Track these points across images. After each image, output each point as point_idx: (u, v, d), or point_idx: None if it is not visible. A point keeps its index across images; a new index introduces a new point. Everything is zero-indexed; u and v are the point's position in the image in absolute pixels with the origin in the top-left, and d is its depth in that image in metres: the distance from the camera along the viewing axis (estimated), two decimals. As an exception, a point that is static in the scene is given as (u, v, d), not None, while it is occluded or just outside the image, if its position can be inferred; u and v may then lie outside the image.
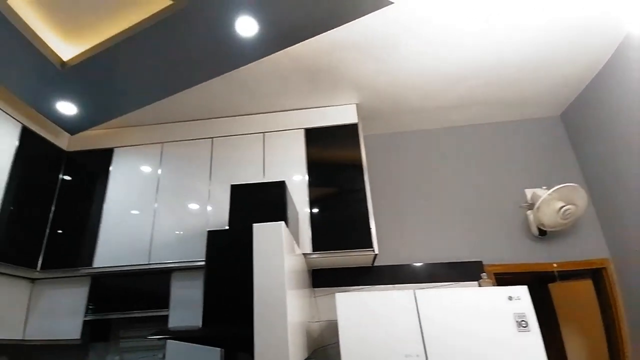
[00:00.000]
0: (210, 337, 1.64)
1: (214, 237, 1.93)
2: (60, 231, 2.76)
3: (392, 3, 2.05)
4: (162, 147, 2.98)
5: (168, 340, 2.50)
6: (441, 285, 2.65)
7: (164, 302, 2.60)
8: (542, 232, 2.83)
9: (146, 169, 2.92)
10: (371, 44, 2.37)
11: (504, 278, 2.72)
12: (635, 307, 2.46)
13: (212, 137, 2.95)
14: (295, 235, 2.32)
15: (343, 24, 2.11)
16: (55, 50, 2.19)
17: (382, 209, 2.90)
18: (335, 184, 2.69)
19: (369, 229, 2.48)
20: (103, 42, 2.14)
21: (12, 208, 2.46)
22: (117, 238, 2.69)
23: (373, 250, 2.43)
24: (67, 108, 2.57)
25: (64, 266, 2.64)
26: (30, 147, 2.69)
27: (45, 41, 2.12)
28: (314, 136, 2.84)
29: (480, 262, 2.74)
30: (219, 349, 2.41)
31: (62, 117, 2.67)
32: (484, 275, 2.58)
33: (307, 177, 2.71)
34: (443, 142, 3.30)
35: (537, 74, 2.74)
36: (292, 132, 2.87)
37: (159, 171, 2.89)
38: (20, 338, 2.56)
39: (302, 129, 2.87)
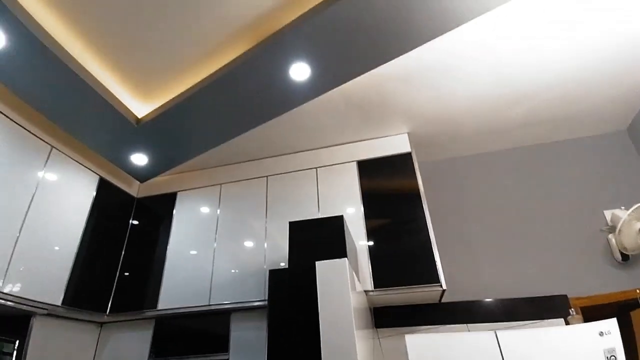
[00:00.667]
0: None
1: (275, 277, 1.91)
2: (128, 274, 2.90)
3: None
4: (221, 188, 3.10)
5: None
6: (523, 325, 2.35)
7: (224, 345, 2.57)
8: (625, 257, 2.51)
9: (206, 210, 3.04)
10: (420, 74, 2.36)
11: (588, 310, 2.38)
12: None
13: (267, 176, 3.02)
14: (355, 270, 2.22)
15: (393, 59, 2.11)
16: (132, 109, 2.44)
17: (447, 240, 2.71)
18: (392, 215, 2.58)
19: (433, 261, 2.31)
20: (173, 98, 2.36)
21: (86, 255, 2.63)
22: (180, 279, 2.76)
23: (440, 286, 2.24)
24: (139, 159, 2.80)
25: (131, 309, 2.74)
26: (106, 196, 2.93)
27: (123, 102, 2.38)
28: (366, 168, 2.80)
29: (565, 296, 2.41)
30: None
31: (135, 168, 2.91)
32: (572, 311, 2.27)
33: (362, 209, 2.64)
34: (505, 164, 3.10)
35: (600, 88, 2.57)
36: (345, 165, 2.86)
37: (218, 211, 2.99)
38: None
39: (354, 162, 2.85)
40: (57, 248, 2.43)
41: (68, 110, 2.29)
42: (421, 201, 2.54)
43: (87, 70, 2.12)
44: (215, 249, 2.81)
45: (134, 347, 2.72)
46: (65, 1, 1.83)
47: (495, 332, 1.76)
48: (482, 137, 3.03)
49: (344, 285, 1.61)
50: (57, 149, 2.58)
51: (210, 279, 2.70)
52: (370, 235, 2.55)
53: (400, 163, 2.74)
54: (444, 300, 2.53)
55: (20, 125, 2.35)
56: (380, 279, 2.36)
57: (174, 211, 3.10)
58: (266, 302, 2.48)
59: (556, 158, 3.02)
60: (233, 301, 2.57)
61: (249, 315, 2.62)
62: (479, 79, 2.43)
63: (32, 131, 2.42)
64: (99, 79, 2.21)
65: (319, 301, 1.61)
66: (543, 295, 2.45)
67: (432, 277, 2.27)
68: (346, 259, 1.68)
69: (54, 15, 1.87)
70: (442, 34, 1.96)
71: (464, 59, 2.27)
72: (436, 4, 1.79)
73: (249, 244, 2.78)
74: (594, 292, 2.42)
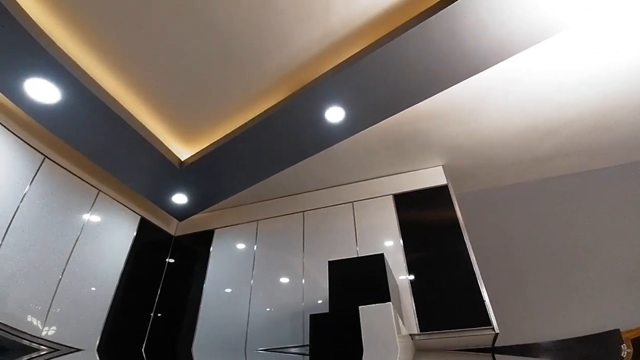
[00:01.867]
0: None
1: (316, 322, 1.84)
2: (162, 314, 2.91)
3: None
4: (258, 224, 3.12)
5: None
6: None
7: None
8: None
9: (242, 246, 3.04)
10: (452, 109, 2.33)
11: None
12: None
13: (303, 211, 3.01)
14: (399, 310, 2.11)
15: (425, 99, 2.11)
16: (176, 153, 2.54)
17: (490, 273, 2.55)
18: (433, 247, 2.48)
19: (481, 299, 2.16)
20: (214, 142, 2.45)
21: (123, 296, 2.68)
22: (216, 320, 2.74)
23: (492, 329, 2.09)
24: (180, 199, 2.89)
25: (163, 349, 2.74)
26: (146, 235, 3.01)
27: (169, 147, 2.48)
28: (403, 201, 2.74)
29: (617, 331, 2.17)
30: None
31: (175, 207, 3.00)
32: (624, 346, 2.06)
33: (401, 242, 2.56)
34: (543, 194, 2.97)
35: (632, 114, 2.44)
36: (381, 199, 2.81)
37: (255, 247, 2.99)
38: None
39: (391, 195, 2.80)
40: (93, 289, 2.50)
41: (117, 156, 2.42)
42: (462, 232, 2.44)
43: (137, 120, 2.25)
44: (252, 286, 2.79)
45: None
46: (118, 60, 1.96)
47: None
48: (517, 167, 2.92)
49: (390, 331, 1.52)
50: (104, 192, 2.71)
51: (247, 322, 2.65)
52: (411, 268, 2.45)
53: (437, 195, 2.67)
54: (498, 344, 2.34)
55: (71, 172, 2.50)
56: (426, 321, 2.24)
57: (211, 249, 3.13)
58: (303, 348, 2.44)
59: (594, 187, 2.87)
60: (270, 347, 2.51)
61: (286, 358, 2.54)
62: (510, 112, 2.39)
63: (82, 177, 2.56)
64: (147, 126, 2.33)
65: (364, 348, 1.52)
66: (595, 332, 2.22)
67: (481, 319, 2.12)
68: (390, 303, 1.60)
69: (106, 70, 2.01)
70: (471, 76, 1.95)
71: (494, 93, 2.22)
72: (464, 46, 1.78)
73: (285, 280, 2.74)
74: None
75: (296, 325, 2.51)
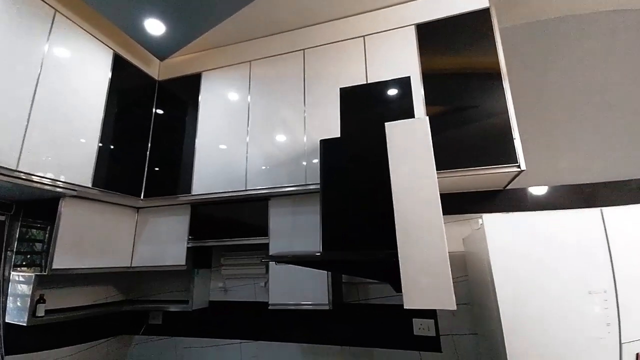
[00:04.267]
0: (345, 262, 1.32)
1: (328, 148, 1.58)
2: (158, 164, 2.69)
3: None
4: (250, 66, 2.68)
5: (271, 270, 2.32)
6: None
7: (263, 231, 2.40)
8: None
9: (235, 96, 2.66)
10: None
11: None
12: None
13: (303, 49, 2.56)
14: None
15: None
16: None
17: (522, 115, 2.19)
18: (458, 98, 2.12)
19: (511, 141, 1.93)
20: None
21: (111, 142, 2.42)
22: (213, 168, 2.54)
23: (518, 166, 1.89)
24: (155, 27, 2.38)
25: (164, 194, 2.59)
26: (124, 78, 2.58)
27: None
28: (428, 33, 2.27)
29: None
30: (326, 274, 2.16)
31: (150, 39, 2.50)
32: None
33: (422, 91, 2.18)
34: (600, 30, 2.49)
35: None
36: (400, 31, 2.34)
37: (249, 98, 2.60)
38: (128, 265, 2.59)
39: (413, 26, 2.32)
40: (79, 135, 2.20)
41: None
42: (500, 76, 2.05)
43: None
44: (247, 144, 2.50)
45: (172, 231, 2.62)
46: None
47: (601, 210, 1.43)
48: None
49: (426, 150, 1.25)
50: (62, 13, 2.17)
51: (245, 167, 2.45)
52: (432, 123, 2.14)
53: (474, 24, 2.18)
54: (510, 187, 2.21)
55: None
56: (443, 161, 2.01)
57: (200, 97, 2.75)
58: (308, 187, 2.27)
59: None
60: (271, 186, 2.34)
61: (287, 201, 2.40)
62: None
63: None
64: None
65: (391, 172, 1.26)
66: (624, 179, 2.08)
67: (509, 158, 1.91)
68: (427, 117, 1.31)
69: None
70: None
71: None
72: None
73: (286, 128, 2.45)
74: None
75: (297, 170, 2.31)
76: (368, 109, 1.69)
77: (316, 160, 2.27)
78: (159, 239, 2.62)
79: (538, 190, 2.25)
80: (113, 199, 2.49)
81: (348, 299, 2.46)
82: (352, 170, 1.51)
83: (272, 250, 2.34)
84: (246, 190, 2.40)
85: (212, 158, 2.56)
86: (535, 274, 1.43)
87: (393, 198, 1.20)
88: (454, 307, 1.01)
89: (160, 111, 2.83)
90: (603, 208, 1.44)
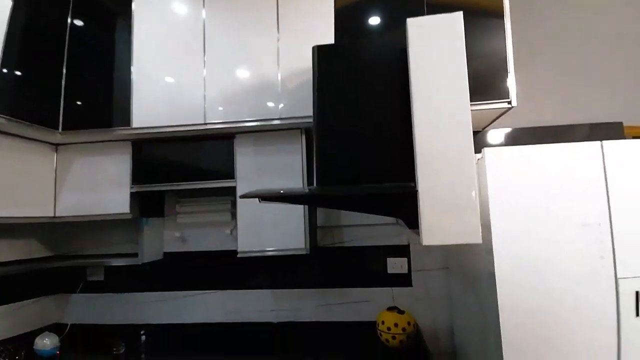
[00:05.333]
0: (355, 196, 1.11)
1: (326, 57, 1.29)
2: (80, 89, 2.10)
3: None
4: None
5: (239, 216, 2.07)
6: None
7: (229, 172, 2.10)
8: None
9: (183, 9, 2.11)
10: None
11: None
12: None
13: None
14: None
15: None
16: None
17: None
18: None
19: (505, 76, 1.83)
20: None
21: (18, 67, 1.80)
22: (160, 94, 2.04)
23: (509, 102, 1.82)
24: None
25: (91, 127, 2.06)
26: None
27: None
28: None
29: (620, 124, 2.16)
30: (303, 218, 2.00)
31: None
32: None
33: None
34: None
35: None
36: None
37: (203, 12, 2.08)
38: (51, 215, 2.11)
39: None
40: None
41: None
42: (503, 14, 1.86)
43: None
44: (205, 79, 2.03)
45: (109, 173, 2.13)
46: None
47: (602, 144, 1.43)
48: None
49: (458, 57, 1.05)
50: None
51: (204, 96, 2.02)
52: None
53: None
54: (490, 128, 2.18)
55: None
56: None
57: (133, 5, 2.13)
58: (283, 123, 1.98)
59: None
60: (237, 120, 1.99)
61: (259, 138, 2.09)
62: None
63: None
64: None
65: (412, 86, 1.05)
66: (597, 122, 2.18)
67: (501, 93, 1.82)
68: (461, 12, 1.08)
69: None
70: None
71: None
72: None
73: (251, 58, 2.02)
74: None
75: (271, 100, 1.98)
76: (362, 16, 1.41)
77: (292, 91, 1.96)
78: (92, 184, 2.13)
79: (513, 134, 2.25)
80: (22, 131, 1.91)
81: (323, 243, 2.35)
82: (356, 83, 1.27)
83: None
84: (205, 124, 2.01)
85: (158, 83, 2.07)
86: (531, 207, 1.40)
87: (414, 118, 1.01)
88: (480, 241, 0.91)
89: (79, 22, 2.17)
90: (604, 142, 1.44)
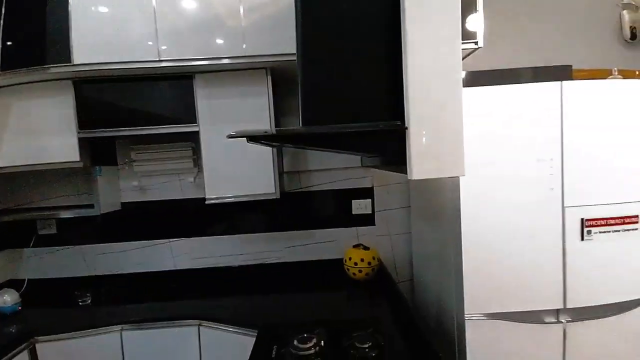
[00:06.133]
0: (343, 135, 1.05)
1: None
2: (17, 23, 1.81)
3: None
4: None
5: (205, 162, 1.98)
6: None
7: (189, 116, 1.97)
8: (634, 36, 2.44)
9: None
10: None
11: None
12: None
13: None
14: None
15: None
16: None
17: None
18: None
19: (473, 14, 1.83)
20: None
21: None
22: (103, 23, 1.80)
23: (476, 43, 1.85)
24: None
25: (24, 65, 1.79)
26: None
27: None
28: None
29: (569, 67, 2.30)
30: (271, 163, 1.97)
31: None
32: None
33: None
34: None
35: None
36: None
37: None
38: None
39: None
40: None
41: None
42: None
43: None
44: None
45: (51, 117, 1.91)
46: None
47: (562, 84, 1.52)
48: None
49: None
50: None
51: (155, 29, 1.81)
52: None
53: None
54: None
55: None
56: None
57: None
58: (250, 60, 1.84)
59: None
60: (197, 56, 1.83)
61: (223, 79, 1.95)
62: None
63: None
64: None
65: (404, 24, 0.97)
66: (546, 65, 2.30)
67: (468, 34, 1.83)
68: None
69: None
70: None
71: None
72: None
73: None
74: (596, 67, 2.35)
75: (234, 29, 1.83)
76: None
77: (256, 27, 1.82)
78: (35, 130, 1.90)
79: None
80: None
81: (290, 188, 2.36)
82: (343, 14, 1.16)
83: (205, 140, 1.97)
84: (159, 61, 1.83)
85: (100, 14, 1.80)
86: (495, 145, 1.49)
87: (405, 58, 0.96)
88: (464, 174, 0.96)
89: None
90: (564, 82, 1.53)
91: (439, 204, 1.76)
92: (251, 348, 1.41)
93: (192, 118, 1.96)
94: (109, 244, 2.33)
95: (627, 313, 1.54)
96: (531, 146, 1.51)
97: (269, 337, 1.45)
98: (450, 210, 1.59)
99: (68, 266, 2.32)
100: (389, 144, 0.93)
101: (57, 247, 2.31)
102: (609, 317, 1.53)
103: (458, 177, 1.44)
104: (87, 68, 1.81)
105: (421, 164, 0.85)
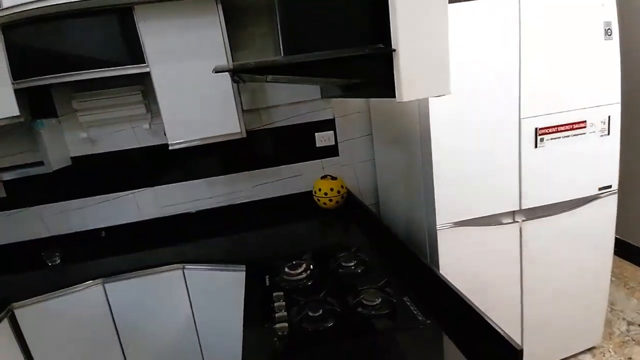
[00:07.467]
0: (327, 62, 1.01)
1: None
2: None
3: None
4: None
5: (162, 106, 1.86)
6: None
7: (136, 56, 1.78)
8: None
9: None
10: None
11: None
12: None
13: None
14: None
15: None
16: None
17: None
18: None
19: None
20: None
21: None
22: None
23: None
24: None
25: None
26: None
27: None
28: None
29: None
30: (234, 102, 1.90)
31: None
32: None
33: None
34: None
35: None
36: None
37: None
38: None
39: None
40: None
41: None
42: None
43: None
44: None
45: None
46: None
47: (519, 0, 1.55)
48: None
49: None
50: None
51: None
52: None
53: None
54: None
55: None
56: None
57: None
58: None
59: None
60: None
61: (169, 10, 1.74)
62: None
63: None
64: None
65: None
66: None
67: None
68: None
69: None
70: None
71: None
72: None
73: None
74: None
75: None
76: None
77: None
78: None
79: None
80: None
81: (251, 126, 2.31)
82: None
83: (159, 81, 1.82)
84: (89, -6, 1.60)
85: None
86: (461, 62, 1.49)
87: None
88: (451, 92, 1.00)
89: None
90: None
91: (404, 128, 1.85)
92: (240, 283, 1.48)
93: (139, 58, 1.79)
94: (67, 201, 2.20)
95: (575, 210, 1.79)
96: (493, 61, 1.57)
97: (258, 269, 1.53)
98: (419, 132, 1.68)
99: (27, 229, 2.18)
100: (375, 68, 0.95)
101: (9, 211, 2.14)
102: (560, 214, 1.79)
103: (427, 99, 1.51)
104: (15, 10, 1.54)
105: (410, 85, 0.88)
